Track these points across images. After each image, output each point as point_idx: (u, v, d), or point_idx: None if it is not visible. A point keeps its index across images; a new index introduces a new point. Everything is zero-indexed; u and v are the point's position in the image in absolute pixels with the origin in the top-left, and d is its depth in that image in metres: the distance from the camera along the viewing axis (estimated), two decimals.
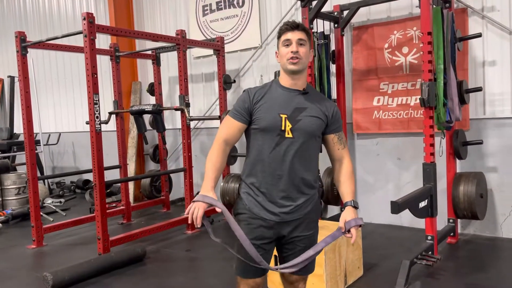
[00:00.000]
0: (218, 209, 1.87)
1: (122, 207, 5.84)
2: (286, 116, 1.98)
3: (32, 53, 8.11)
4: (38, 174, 5.44)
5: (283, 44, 2.01)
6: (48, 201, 6.93)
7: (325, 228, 3.47)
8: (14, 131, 8.64)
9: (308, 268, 2.10)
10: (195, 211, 1.84)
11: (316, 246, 2.02)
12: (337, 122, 2.10)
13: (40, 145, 7.74)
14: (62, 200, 7.09)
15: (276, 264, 2.25)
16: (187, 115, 5.07)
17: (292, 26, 2.00)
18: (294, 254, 2.07)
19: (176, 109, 5.24)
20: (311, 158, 2.06)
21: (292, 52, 1.97)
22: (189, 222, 1.86)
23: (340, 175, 2.09)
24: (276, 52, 2.10)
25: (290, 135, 1.98)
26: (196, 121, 6.41)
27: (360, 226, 1.93)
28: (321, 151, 2.35)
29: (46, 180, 7.80)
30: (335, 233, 1.98)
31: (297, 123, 1.98)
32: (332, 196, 4.91)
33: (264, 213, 2.02)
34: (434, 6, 3.68)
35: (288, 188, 2.01)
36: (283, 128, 1.97)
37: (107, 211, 4.72)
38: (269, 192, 2.01)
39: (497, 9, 4.27)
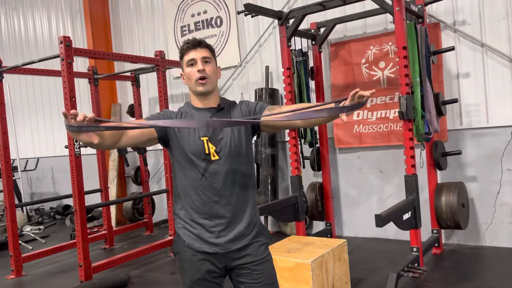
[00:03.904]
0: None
1: (104, 232, 5.71)
2: (207, 138, 1.84)
3: (8, 78, 8.01)
4: (16, 201, 5.29)
5: (187, 65, 1.86)
6: (27, 228, 6.73)
7: (311, 245, 3.45)
8: None
9: None
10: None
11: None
12: (262, 107, 1.95)
13: (17, 171, 7.56)
14: (42, 227, 6.90)
15: None
16: None
17: (194, 43, 1.86)
18: (255, 283, 1.88)
19: None
20: (246, 176, 1.91)
21: (199, 71, 1.83)
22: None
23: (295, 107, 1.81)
24: (181, 74, 1.93)
25: (217, 157, 1.83)
26: None
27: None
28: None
29: (24, 207, 7.59)
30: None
31: (219, 143, 1.84)
32: (317, 212, 4.90)
33: (205, 247, 1.85)
34: (407, 21, 3.78)
35: (227, 214, 1.85)
36: (207, 152, 1.83)
37: (89, 236, 4.62)
38: (206, 223, 1.85)
39: (468, 23, 4.40)
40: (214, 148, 1.83)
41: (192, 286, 1.89)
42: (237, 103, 2.02)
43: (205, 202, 1.85)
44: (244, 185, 1.90)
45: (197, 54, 1.85)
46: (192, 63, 1.86)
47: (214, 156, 1.83)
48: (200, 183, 1.84)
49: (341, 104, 1.61)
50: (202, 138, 1.84)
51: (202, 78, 1.84)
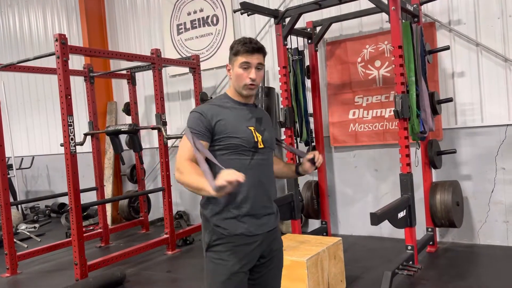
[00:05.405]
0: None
1: (99, 230, 5.70)
2: (253, 128, 1.98)
3: (3, 76, 7.97)
4: (11, 200, 5.28)
5: (240, 66, 1.93)
6: (22, 227, 6.71)
7: (307, 243, 3.47)
8: None
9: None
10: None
11: None
12: None
13: (12, 169, 7.54)
14: (37, 225, 6.88)
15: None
16: (164, 133, 5.03)
17: (253, 49, 1.92)
18: (266, 273, 2.03)
19: (153, 128, 5.19)
20: (273, 166, 2.13)
21: (250, 78, 1.93)
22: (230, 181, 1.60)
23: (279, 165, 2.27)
24: (227, 65, 2.02)
25: (262, 146, 1.99)
26: (174, 140, 6.36)
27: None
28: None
29: (19, 206, 7.56)
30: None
31: (263, 133, 2.01)
32: (312, 210, 4.92)
33: (252, 228, 1.92)
34: (403, 20, 3.79)
35: (268, 197, 2.01)
36: (256, 140, 1.96)
37: (84, 234, 4.61)
38: (253, 205, 1.93)
39: (463, 22, 4.42)
40: (260, 137, 1.99)
41: (231, 278, 1.90)
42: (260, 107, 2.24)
43: (253, 185, 1.93)
44: (273, 173, 2.11)
45: (253, 60, 1.93)
46: (245, 66, 1.93)
47: (261, 144, 1.99)
48: (248, 167, 1.93)
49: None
50: (249, 128, 1.98)
51: (251, 85, 1.95)
